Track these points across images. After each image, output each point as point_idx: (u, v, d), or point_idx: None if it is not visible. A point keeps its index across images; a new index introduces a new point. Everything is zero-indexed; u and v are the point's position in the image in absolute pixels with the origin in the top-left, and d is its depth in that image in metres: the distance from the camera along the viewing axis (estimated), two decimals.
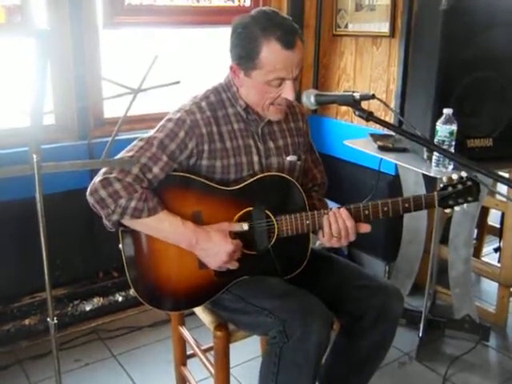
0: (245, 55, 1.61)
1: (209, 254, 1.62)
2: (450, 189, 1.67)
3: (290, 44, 1.57)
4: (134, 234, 1.66)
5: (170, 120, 1.67)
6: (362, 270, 1.85)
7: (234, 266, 1.66)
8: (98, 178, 1.58)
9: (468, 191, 1.67)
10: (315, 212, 1.67)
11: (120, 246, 1.67)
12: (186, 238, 1.61)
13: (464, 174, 1.66)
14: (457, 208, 1.69)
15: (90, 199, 1.58)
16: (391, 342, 1.77)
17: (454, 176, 1.68)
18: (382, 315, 1.68)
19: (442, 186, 1.69)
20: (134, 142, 1.65)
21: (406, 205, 1.67)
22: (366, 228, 1.67)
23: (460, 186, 1.67)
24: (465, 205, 1.69)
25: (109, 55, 2.68)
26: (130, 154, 1.61)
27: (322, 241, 1.70)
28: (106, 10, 2.55)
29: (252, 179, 1.68)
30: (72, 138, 2.60)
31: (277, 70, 1.59)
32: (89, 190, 1.59)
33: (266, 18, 1.60)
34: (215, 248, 1.60)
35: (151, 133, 1.67)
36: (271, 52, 1.57)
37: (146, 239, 1.67)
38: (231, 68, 1.68)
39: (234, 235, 1.65)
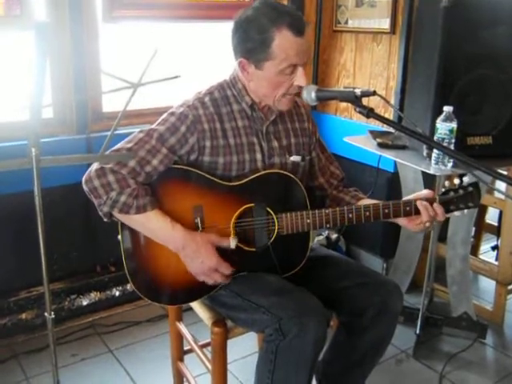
0: (255, 48, 1.60)
1: (192, 261, 1.62)
2: (451, 194, 1.66)
3: (301, 30, 1.58)
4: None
5: (172, 114, 1.66)
6: (362, 266, 1.85)
7: (211, 282, 1.65)
8: (94, 167, 1.58)
9: (469, 197, 1.66)
10: (316, 211, 1.65)
11: (119, 237, 1.67)
12: (174, 240, 1.61)
13: (466, 179, 1.66)
14: (457, 213, 1.68)
15: (85, 187, 1.59)
16: (391, 339, 1.77)
17: (456, 181, 1.66)
18: (383, 312, 1.68)
19: (443, 190, 1.68)
20: (135, 133, 1.65)
21: (408, 208, 1.66)
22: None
23: (461, 191, 1.66)
24: (465, 210, 1.68)
25: (109, 49, 2.67)
26: (129, 145, 1.61)
27: (409, 227, 1.70)
28: (106, 3, 2.53)
29: (254, 175, 1.67)
30: (70, 131, 2.59)
31: (289, 57, 1.59)
32: (84, 177, 1.59)
33: (270, 8, 1.60)
34: (199, 258, 1.61)
35: (152, 125, 1.66)
36: (284, 40, 1.57)
37: None
38: (240, 63, 1.66)
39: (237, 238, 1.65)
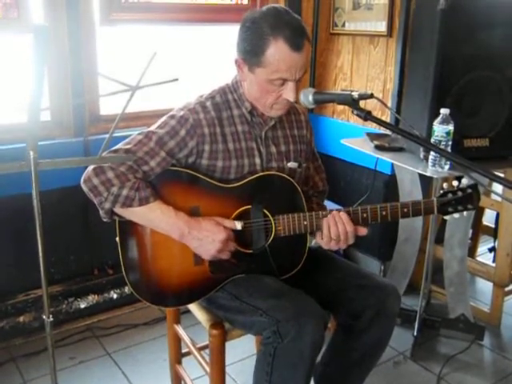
0: (251, 51, 1.59)
1: (202, 243, 1.61)
2: (450, 195, 1.66)
3: (298, 46, 1.56)
4: (131, 227, 1.65)
5: (172, 117, 1.66)
6: (360, 268, 1.85)
7: (226, 256, 1.64)
8: (91, 166, 1.58)
9: (468, 199, 1.65)
10: (313, 213, 1.66)
11: (117, 239, 1.67)
12: (178, 227, 1.60)
13: (465, 180, 1.65)
14: (456, 215, 1.67)
15: (84, 187, 1.59)
16: (388, 341, 1.77)
17: (455, 182, 1.66)
18: (381, 314, 1.69)
19: (442, 192, 1.68)
20: (133, 135, 1.65)
21: (405, 210, 1.66)
22: (362, 231, 1.66)
23: (460, 193, 1.65)
24: (464, 212, 1.68)
25: (108, 52, 2.67)
26: (128, 146, 1.61)
27: (320, 243, 1.69)
28: (103, 6, 2.53)
29: (252, 177, 1.68)
30: (68, 134, 2.59)
31: (280, 71, 1.57)
32: (82, 177, 1.59)
33: (276, 15, 1.58)
34: (208, 236, 1.59)
35: (152, 127, 1.66)
36: (278, 52, 1.56)
37: (142, 233, 1.67)
38: (236, 61, 1.67)
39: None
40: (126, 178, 1.56)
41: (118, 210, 1.60)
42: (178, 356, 2.13)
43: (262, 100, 1.66)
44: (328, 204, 1.96)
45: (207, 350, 1.80)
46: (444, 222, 2.76)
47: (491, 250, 3.22)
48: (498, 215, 2.93)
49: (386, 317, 1.70)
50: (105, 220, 1.63)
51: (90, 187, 1.57)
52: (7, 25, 2.29)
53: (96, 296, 2.78)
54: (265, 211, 1.67)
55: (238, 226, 1.63)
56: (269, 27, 1.56)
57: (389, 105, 2.88)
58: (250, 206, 1.67)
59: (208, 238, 1.60)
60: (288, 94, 1.62)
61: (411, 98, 2.52)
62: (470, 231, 3.00)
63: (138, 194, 1.57)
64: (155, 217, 1.60)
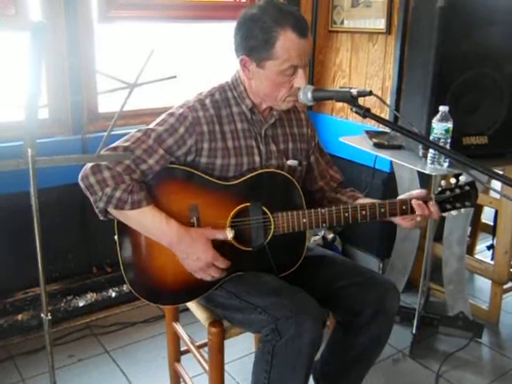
0: (258, 46, 1.60)
1: (187, 257, 1.62)
2: (447, 193, 1.66)
3: (304, 32, 1.59)
4: (130, 226, 1.65)
5: (171, 115, 1.66)
6: (358, 265, 1.85)
7: (209, 278, 1.65)
8: (89, 164, 1.58)
9: (466, 196, 1.66)
10: (312, 210, 1.66)
11: (115, 237, 1.67)
12: (168, 235, 1.61)
13: (463, 178, 1.66)
14: (453, 212, 1.68)
15: (81, 184, 1.59)
16: (387, 338, 1.77)
17: (453, 180, 1.67)
18: (379, 311, 1.68)
19: (440, 189, 1.68)
20: (132, 132, 1.64)
21: (404, 207, 1.66)
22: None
23: (458, 190, 1.66)
24: (462, 209, 1.68)
25: (106, 50, 2.66)
26: (126, 144, 1.60)
27: (402, 224, 1.71)
28: (101, 3, 2.53)
29: (250, 175, 1.68)
30: (66, 132, 2.58)
31: (291, 58, 1.59)
32: (80, 174, 1.59)
33: (275, 7, 1.60)
34: (194, 253, 1.61)
35: (151, 125, 1.66)
36: (288, 41, 1.57)
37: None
38: (242, 60, 1.66)
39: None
40: (121, 179, 1.56)
41: (111, 211, 1.60)
42: (176, 354, 2.13)
43: (274, 94, 1.66)
44: None
45: (206, 348, 1.80)
46: (443, 219, 2.76)
47: (490, 247, 3.22)
48: (496, 213, 2.93)
49: (385, 314, 1.70)
50: (101, 218, 1.63)
51: (87, 185, 1.57)
52: (4, 22, 2.28)
53: (94, 294, 2.77)
54: (264, 208, 1.66)
55: (229, 235, 1.64)
56: (272, 20, 1.57)
57: (388, 102, 2.87)
58: (248, 204, 1.67)
59: (194, 255, 1.61)
60: (299, 81, 1.63)
61: (410, 96, 2.52)
62: (469, 229, 3.00)
63: (130, 196, 1.56)
64: (146, 222, 1.61)
